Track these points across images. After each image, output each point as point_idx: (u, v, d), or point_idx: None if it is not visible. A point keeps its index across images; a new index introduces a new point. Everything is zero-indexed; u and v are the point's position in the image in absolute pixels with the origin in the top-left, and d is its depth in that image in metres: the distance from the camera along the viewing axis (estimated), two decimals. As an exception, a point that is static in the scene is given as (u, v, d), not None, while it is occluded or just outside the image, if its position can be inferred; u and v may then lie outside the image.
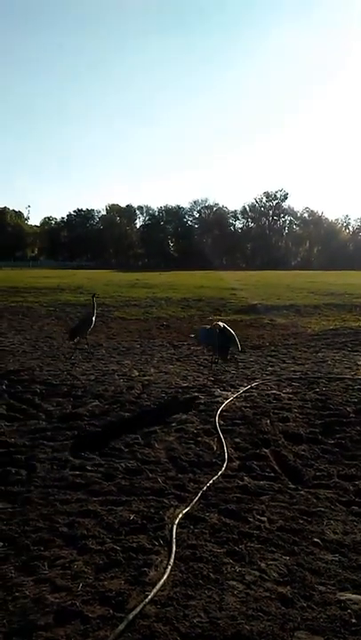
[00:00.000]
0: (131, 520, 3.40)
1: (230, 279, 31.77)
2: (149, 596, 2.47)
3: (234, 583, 2.68)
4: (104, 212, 77.89)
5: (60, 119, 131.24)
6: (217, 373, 7.85)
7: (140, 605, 2.41)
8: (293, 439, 5.04)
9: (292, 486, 4.07)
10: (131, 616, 2.34)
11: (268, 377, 7.55)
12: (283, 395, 6.51)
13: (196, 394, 6.61)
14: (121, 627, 2.28)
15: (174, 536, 3.15)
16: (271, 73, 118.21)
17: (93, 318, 9.45)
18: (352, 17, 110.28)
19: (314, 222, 75.03)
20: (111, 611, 2.43)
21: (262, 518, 3.48)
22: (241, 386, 6.99)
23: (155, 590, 2.53)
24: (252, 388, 6.88)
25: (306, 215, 76.44)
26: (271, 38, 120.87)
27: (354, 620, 2.37)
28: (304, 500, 3.79)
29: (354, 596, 2.58)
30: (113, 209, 76.67)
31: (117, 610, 2.43)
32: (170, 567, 2.77)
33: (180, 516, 3.45)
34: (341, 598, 2.55)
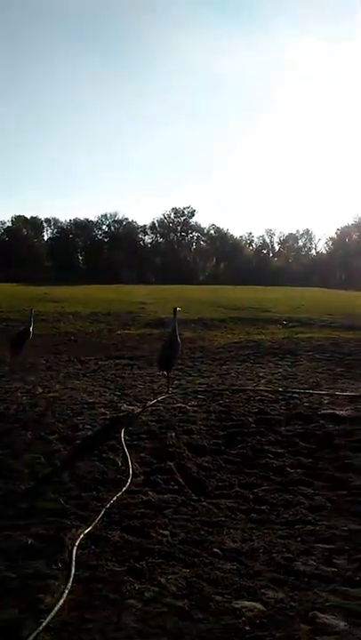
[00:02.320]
0: (28, 545, 3.27)
1: (140, 293, 31.86)
2: (43, 624, 2.38)
3: (132, 601, 2.66)
4: (9, 224, 75.17)
5: None
6: (123, 388, 7.81)
7: (34, 634, 2.31)
8: (197, 451, 5.13)
9: (195, 498, 4.14)
10: (23, 647, 2.24)
11: (174, 390, 7.63)
12: (188, 407, 6.61)
13: (102, 409, 6.53)
14: (12, 659, 2.17)
15: (74, 558, 3.07)
16: (175, 88, 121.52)
17: (31, 329, 9.76)
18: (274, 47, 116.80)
19: (220, 239, 77.57)
20: (2, 643, 2.31)
21: (165, 532, 3.49)
22: (147, 400, 7.00)
23: (49, 617, 2.44)
24: (158, 402, 6.92)
25: (212, 232, 78.86)
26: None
27: (248, 628, 2.43)
28: (206, 511, 3.86)
29: (248, 603, 2.65)
30: (19, 220, 74.18)
31: (9, 641, 2.32)
32: (67, 591, 2.69)
33: (82, 536, 3.38)
34: (236, 606, 2.62)
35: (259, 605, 2.65)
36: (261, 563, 3.11)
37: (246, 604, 2.65)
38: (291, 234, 79.66)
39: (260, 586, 2.84)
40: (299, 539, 3.45)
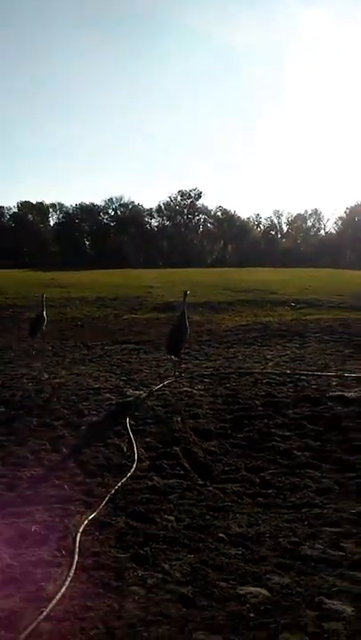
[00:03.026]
0: (32, 532, 3.25)
1: (147, 277, 31.74)
2: (44, 613, 2.35)
3: (135, 588, 2.62)
4: (15, 210, 74.99)
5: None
6: (130, 373, 7.78)
7: (34, 624, 2.28)
8: (204, 435, 5.08)
9: (201, 482, 4.10)
10: (22, 636, 2.21)
11: (180, 374, 7.58)
12: (194, 391, 6.56)
13: (108, 395, 6.49)
14: (12, 649, 2.14)
15: (77, 545, 3.04)
16: (189, 68, 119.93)
17: (44, 314, 10.08)
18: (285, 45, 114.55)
19: (227, 221, 76.92)
20: (2, 632, 2.28)
21: (170, 518, 3.46)
22: (153, 384, 6.95)
23: (50, 606, 2.41)
24: (164, 386, 6.87)
25: (219, 214, 78.18)
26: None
27: (252, 615, 2.39)
28: (212, 496, 3.82)
29: (253, 588, 2.61)
30: (25, 206, 73.96)
31: (9, 631, 2.29)
32: (69, 579, 2.66)
33: (86, 522, 3.35)
34: (241, 592, 2.58)
35: (264, 591, 2.61)
36: (267, 547, 3.07)
37: (251, 589, 2.61)
38: (299, 214, 78.80)
39: (265, 571, 2.80)
40: (306, 522, 3.40)
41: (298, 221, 79.10)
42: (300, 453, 4.61)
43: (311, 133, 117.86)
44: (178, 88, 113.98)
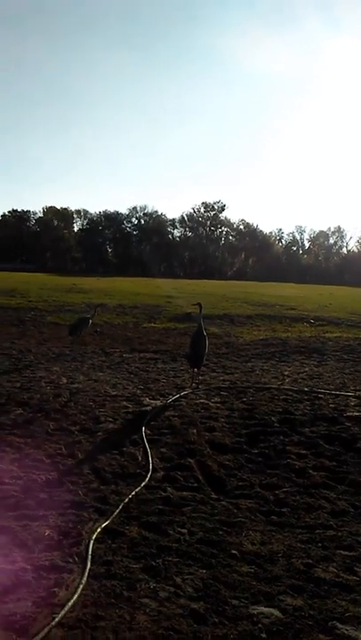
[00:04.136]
0: (46, 536, 3.26)
1: (167, 287, 31.86)
2: (56, 620, 2.35)
3: (147, 601, 2.61)
4: (41, 214, 76.09)
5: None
6: (147, 381, 7.79)
7: (45, 630, 2.29)
8: (219, 449, 5.06)
9: (215, 497, 4.07)
10: (34, 642, 2.22)
11: (197, 386, 7.57)
12: (211, 404, 6.55)
13: (125, 402, 6.51)
14: (23, 653, 2.15)
15: (90, 552, 3.04)
16: (210, 90, 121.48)
17: (91, 321, 10.84)
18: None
19: (249, 234, 76.97)
20: (14, 636, 2.29)
21: (183, 530, 3.44)
22: (170, 395, 6.96)
23: (62, 612, 2.41)
24: (181, 397, 6.87)
25: (241, 227, 78.32)
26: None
27: (264, 635, 2.36)
28: (225, 511, 3.79)
29: (266, 609, 2.58)
30: (50, 211, 75.07)
31: (21, 635, 2.30)
32: (82, 586, 2.66)
33: (99, 530, 3.35)
34: (253, 612, 2.55)
35: (276, 612, 2.57)
36: (280, 567, 3.04)
37: (264, 610, 2.58)
38: (322, 231, 78.56)
39: (278, 592, 2.77)
40: (319, 544, 3.35)
41: (320, 238, 78.81)
42: (315, 473, 4.55)
43: (337, 152, 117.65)
44: (206, 102, 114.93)
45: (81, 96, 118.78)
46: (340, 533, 3.50)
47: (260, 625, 2.45)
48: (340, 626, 2.48)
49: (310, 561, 3.11)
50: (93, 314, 11.18)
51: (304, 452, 5.03)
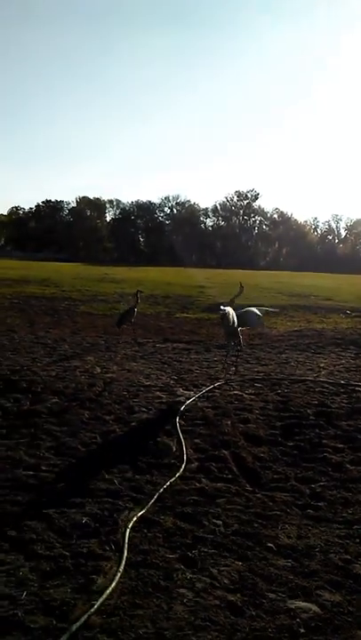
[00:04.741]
0: (83, 523, 3.31)
1: (199, 277, 31.76)
2: (95, 606, 2.38)
3: (184, 591, 2.62)
4: (74, 204, 76.89)
5: (29, 107, 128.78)
6: (180, 372, 7.80)
7: (85, 616, 2.32)
8: (253, 441, 5.02)
9: (250, 489, 4.05)
10: (74, 627, 2.25)
11: (231, 377, 7.53)
12: (245, 396, 6.50)
13: (158, 393, 6.54)
14: (63, 639, 2.19)
15: (126, 541, 3.07)
16: (252, 77, 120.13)
17: (135, 309, 11.02)
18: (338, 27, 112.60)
19: (283, 223, 75.90)
20: (54, 621, 2.34)
21: (217, 522, 3.44)
22: (204, 385, 6.94)
23: (101, 600, 2.45)
24: (214, 388, 6.85)
25: (276, 216, 77.26)
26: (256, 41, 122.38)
27: (302, 630, 2.34)
28: (260, 504, 3.77)
29: (304, 604, 2.56)
30: (83, 201, 75.77)
31: (61, 620, 2.34)
32: (119, 574, 2.69)
33: (135, 519, 3.38)
34: (291, 606, 2.53)
35: (315, 607, 2.54)
36: (317, 562, 3.00)
37: (301, 604, 2.56)
38: (359, 220, 76.68)
39: (315, 587, 2.74)
40: (357, 540, 3.30)
41: (357, 227, 76.99)
42: (352, 467, 4.48)
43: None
44: (241, 92, 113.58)
45: (109, 84, 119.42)
46: (378, 530, 3.43)
47: (298, 620, 2.42)
48: (379, 624, 2.44)
49: (348, 557, 3.07)
50: (137, 301, 11.22)
51: (341, 445, 4.95)
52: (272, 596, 2.62)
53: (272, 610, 2.50)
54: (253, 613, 2.46)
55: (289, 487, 4.08)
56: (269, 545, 3.15)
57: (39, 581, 2.66)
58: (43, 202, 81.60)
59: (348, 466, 4.49)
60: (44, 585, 2.63)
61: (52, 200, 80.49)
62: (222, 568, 2.86)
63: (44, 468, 4.20)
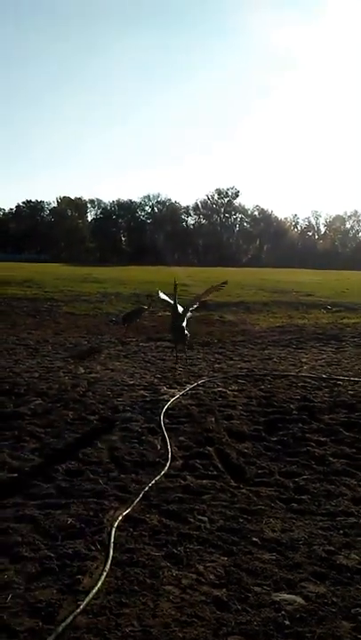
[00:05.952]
0: (68, 524, 3.30)
1: (182, 275, 31.74)
2: (81, 606, 2.38)
3: (170, 588, 2.63)
4: (55, 205, 76.28)
5: (7, 106, 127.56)
6: (164, 370, 7.81)
7: (71, 616, 2.32)
8: (237, 437, 5.06)
9: (234, 484, 4.07)
10: (60, 628, 2.25)
11: (214, 374, 7.57)
12: (228, 392, 6.54)
13: (142, 391, 6.54)
14: (50, 640, 2.19)
15: (112, 540, 3.07)
16: (230, 74, 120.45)
17: (146, 310, 11.47)
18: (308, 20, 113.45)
19: (264, 220, 76.32)
20: (40, 623, 2.33)
21: (203, 518, 3.45)
22: (188, 383, 6.97)
23: (87, 599, 2.44)
24: (198, 385, 6.87)
25: (256, 213, 77.67)
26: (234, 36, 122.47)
27: (287, 622, 2.37)
28: (245, 499, 3.79)
29: (288, 596, 2.58)
30: (64, 201, 75.23)
31: (47, 622, 2.33)
32: (105, 573, 2.70)
33: (120, 518, 3.38)
34: (276, 599, 2.55)
35: (299, 599, 2.57)
36: (302, 554, 3.03)
37: (286, 596, 2.58)
38: (338, 215, 77.52)
39: (300, 579, 2.77)
40: (341, 531, 3.34)
41: (336, 223, 77.83)
42: (335, 460, 4.53)
43: (354, 133, 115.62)
44: (218, 87, 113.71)
45: (90, 85, 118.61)
46: (361, 520, 3.48)
47: (283, 612, 2.45)
48: (363, 613, 2.47)
49: (332, 548, 3.11)
50: (150, 303, 11.31)
51: (323, 439, 5.01)
52: (257, 589, 2.65)
53: (257, 603, 2.52)
54: (239, 607, 2.49)
55: (273, 482, 4.12)
56: (254, 539, 3.17)
57: (24, 584, 2.65)
58: (23, 202, 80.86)
59: (330, 459, 4.55)
60: (30, 587, 2.62)
61: (33, 200, 79.83)
62: (208, 564, 2.88)
63: (27, 469, 4.18)
